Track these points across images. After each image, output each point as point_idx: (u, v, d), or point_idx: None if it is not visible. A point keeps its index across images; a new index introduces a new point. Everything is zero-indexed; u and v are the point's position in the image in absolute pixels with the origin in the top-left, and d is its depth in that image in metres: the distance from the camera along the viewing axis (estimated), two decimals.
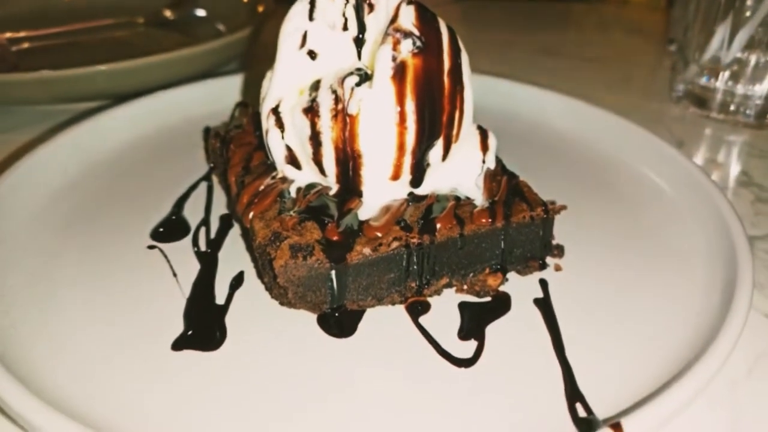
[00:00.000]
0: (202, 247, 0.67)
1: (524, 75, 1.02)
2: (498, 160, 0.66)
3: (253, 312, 0.58)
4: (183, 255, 0.65)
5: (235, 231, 0.70)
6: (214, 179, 0.79)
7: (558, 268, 0.65)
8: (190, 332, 0.56)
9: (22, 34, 1.23)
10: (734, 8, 0.95)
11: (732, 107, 1.01)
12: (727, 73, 1.00)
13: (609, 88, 1.15)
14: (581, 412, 0.48)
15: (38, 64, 1.08)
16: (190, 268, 0.63)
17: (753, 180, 0.87)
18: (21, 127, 0.96)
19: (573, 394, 0.50)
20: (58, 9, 1.34)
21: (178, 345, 0.54)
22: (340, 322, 0.57)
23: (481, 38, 1.41)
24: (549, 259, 0.65)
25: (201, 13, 1.33)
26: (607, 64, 1.30)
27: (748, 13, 0.95)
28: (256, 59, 1.20)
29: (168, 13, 1.31)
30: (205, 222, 0.71)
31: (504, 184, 0.63)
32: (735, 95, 1.01)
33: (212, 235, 0.69)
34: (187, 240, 0.68)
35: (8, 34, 1.21)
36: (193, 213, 0.73)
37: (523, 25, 1.54)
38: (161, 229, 0.69)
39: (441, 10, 0.60)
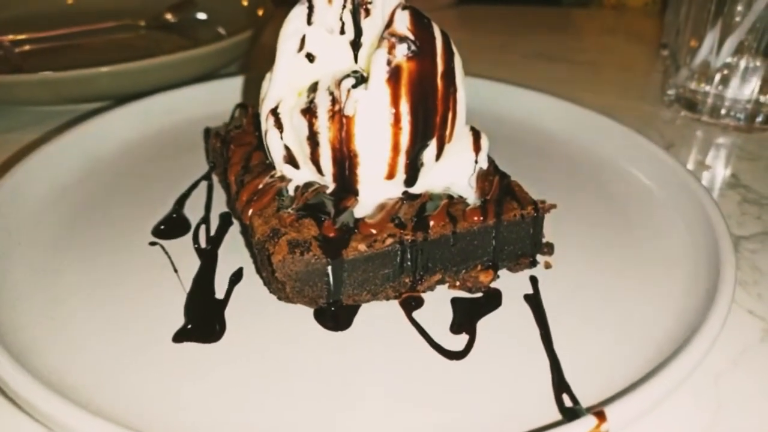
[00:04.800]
0: (203, 243, 0.69)
1: (519, 78, 1.03)
2: (490, 161, 0.68)
3: (251, 306, 0.60)
4: (184, 251, 0.67)
5: (235, 228, 0.71)
6: (214, 178, 0.81)
7: (548, 265, 0.66)
8: (190, 325, 0.57)
9: (25, 36, 1.24)
10: (724, 14, 0.97)
11: (722, 111, 1.03)
12: (717, 78, 1.02)
13: (602, 91, 1.17)
14: (567, 402, 0.50)
15: (41, 66, 1.10)
16: (191, 264, 0.65)
17: (741, 182, 0.88)
18: (24, 126, 0.98)
19: (560, 384, 0.52)
20: (61, 11, 1.36)
21: (179, 337, 0.56)
22: (336, 316, 0.59)
23: (478, 42, 1.43)
24: (539, 257, 0.67)
25: (202, 16, 1.34)
26: (602, 68, 1.32)
27: (737, 19, 0.97)
28: (255, 61, 1.22)
29: (169, 16, 1.33)
30: (206, 220, 0.73)
31: (496, 184, 0.65)
32: (725, 99, 1.02)
33: (212, 232, 0.70)
34: (188, 237, 0.70)
35: (11, 36, 1.23)
36: (193, 211, 0.74)
37: (519, 29, 1.56)
38: (162, 227, 0.71)
39: (439, 14, 0.62)
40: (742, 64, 0.99)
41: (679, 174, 0.74)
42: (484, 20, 1.64)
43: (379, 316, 0.60)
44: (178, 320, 0.58)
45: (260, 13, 1.23)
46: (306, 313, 0.60)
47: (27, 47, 1.22)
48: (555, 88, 1.00)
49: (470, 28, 1.58)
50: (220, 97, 0.95)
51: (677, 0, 1.09)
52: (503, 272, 0.65)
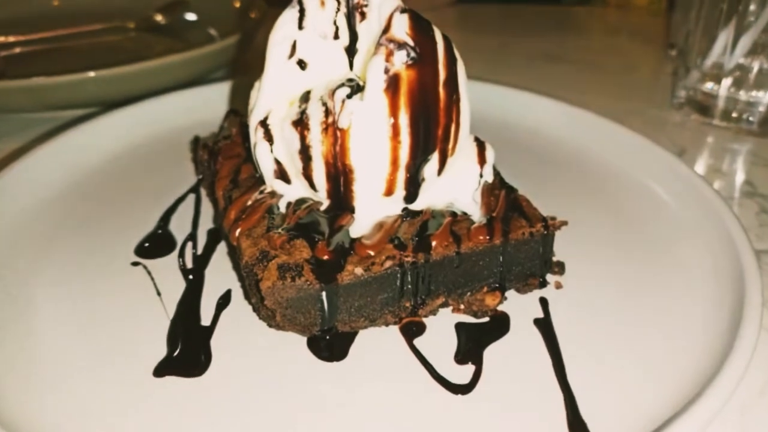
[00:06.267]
0: (188, 263, 0.64)
1: (523, 81, 0.99)
2: (496, 173, 0.64)
3: (239, 334, 0.56)
4: (168, 272, 0.63)
5: (223, 246, 0.67)
6: (203, 191, 0.76)
7: (558, 286, 0.62)
8: (173, 356, 0.53)
9: (11, 39, 1.20)
10: (737, 13, 0.93)
11: (734, 114, 0.99)
12: (729, 80, 0.97)
13: (609, 93, 1.13)
14: None
15: (27, 70, 1.06)
16: (175, 287, 0.61)
17: (757, 190, 0.84)
18: (4, 135, 0.94)
19: (575, 422, 0.48)
20: (48, 14, 1.32)
21: (160, 371, 0.52)
22: (330, 345, 0.55)
23: (479, 43, 1.38)
24: (549, 277, 0.63)
25: (192, 17, 1.30)
26: (608, 69, 1.28)
27: (751, 18, 0.93)
28: (247, 65, 1.18)
29: (159, 18, 1.29)
30: (192, 237, 0.68)
31: (502, 199, 0.61)
32: (738, 102, 0.98)
33: (199, 251, 0.66)
34: (173, 256, 0.66)
35: None
36: (179, 227, 0.70)
37: (522, 29, 1.52)
38: (146, 245, 0.67)
39: (437, 13, 0.57)
40: (756, 65, 0.95)
41: (697, 186, 0.70)
42: (483, 20, 1.59)
43: (378, 345, 0.56)
44: (161, 350, 0.54)
45: (253, 15, 1.19)
46: (298, 341, 0.55)
47: (13, 51, 1.18)
48: (557, 90, 0.95)
49: (469, 27, 1.54)
50: (210, 103, 0.91)
51: None
52: (511, 294, 0.61)
